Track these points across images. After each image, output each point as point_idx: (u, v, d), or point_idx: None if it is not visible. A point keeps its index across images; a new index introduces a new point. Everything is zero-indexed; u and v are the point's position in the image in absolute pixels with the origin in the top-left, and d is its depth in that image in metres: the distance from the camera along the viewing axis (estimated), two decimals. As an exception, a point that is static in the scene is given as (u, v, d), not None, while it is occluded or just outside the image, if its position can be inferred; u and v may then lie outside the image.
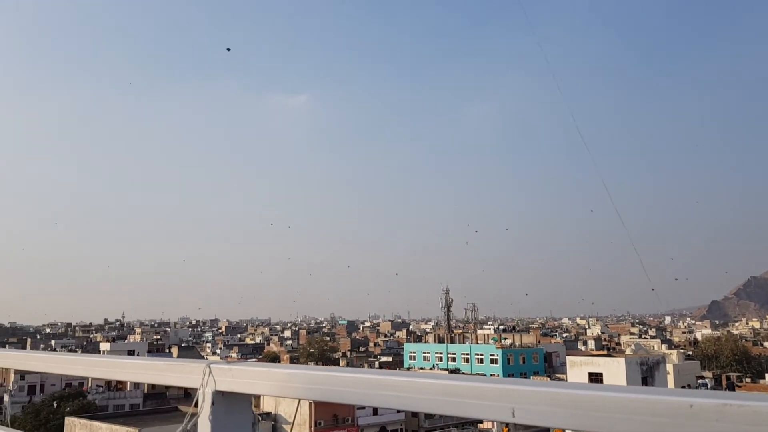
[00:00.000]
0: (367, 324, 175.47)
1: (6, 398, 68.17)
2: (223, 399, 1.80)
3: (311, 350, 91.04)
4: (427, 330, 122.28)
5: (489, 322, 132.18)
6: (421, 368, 75.48)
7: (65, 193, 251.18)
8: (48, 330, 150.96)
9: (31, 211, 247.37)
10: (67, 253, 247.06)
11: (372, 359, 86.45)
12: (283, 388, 1.70)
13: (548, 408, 1.24)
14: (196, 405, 1.77)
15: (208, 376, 1.81)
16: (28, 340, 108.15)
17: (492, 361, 72.20)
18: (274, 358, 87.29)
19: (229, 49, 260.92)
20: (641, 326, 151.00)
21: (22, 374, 69.70)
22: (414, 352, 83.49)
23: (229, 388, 1.79)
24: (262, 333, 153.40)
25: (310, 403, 44.91)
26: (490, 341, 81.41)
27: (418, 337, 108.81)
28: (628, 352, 54.49)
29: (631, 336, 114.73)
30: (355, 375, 1.57)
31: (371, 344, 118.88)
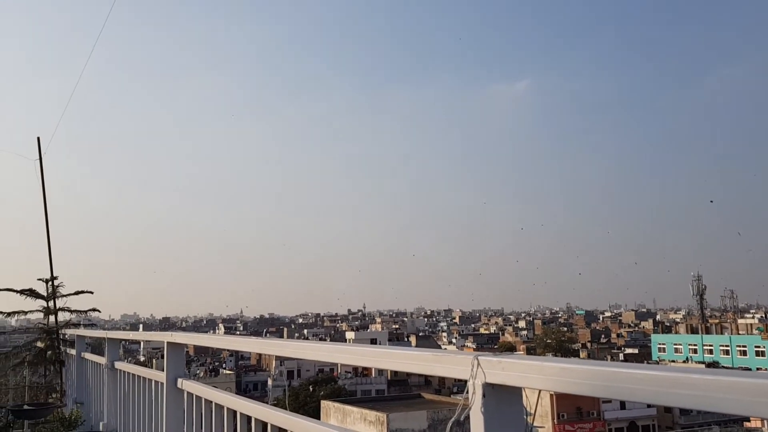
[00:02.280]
0: (608, 314, 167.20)
1: (269, 382, 76.65)
2: (493, 391, 1.75)
3: (548, 341, 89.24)
4: (677, 320, 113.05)
5: (751, 311, 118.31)
6: (672, 361, 70.02)
7: (314, 189, 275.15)
8: (300, 320, 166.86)
9: (278, 207, 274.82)
10: (313, 247, 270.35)
11: (615, 351, 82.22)
12: (558, 382, 1.60)
13: None
14: (459, 396, 1.74)
15: (477, 368, 1.77)
16: (285, 330, 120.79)
17: (758, 354, 64.47)
18: (510, 348, 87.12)
19: (460, 39, 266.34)
20: None
21: (281, 360, 77.63)
22: (663, 344, 77.72)
23: (499, 381, 1.73)
24: (496, 323, 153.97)
25: (551, 395, 43.97)
26: (755, 331, 72.73)
27: (666, 328, 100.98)
28: None
29: None
30: (644, 372, 1.42)
31: (613, 335, 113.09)
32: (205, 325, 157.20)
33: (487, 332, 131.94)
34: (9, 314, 9.68)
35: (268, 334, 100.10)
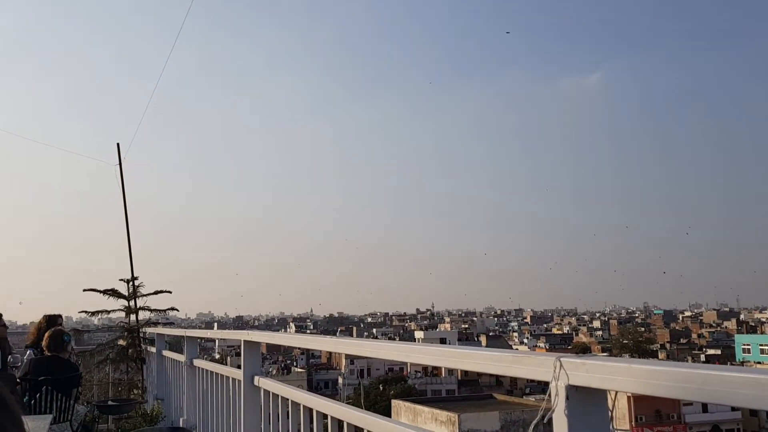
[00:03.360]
0: (687, 313, 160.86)
1: (340, 381, 77.47)
2: (577, 394, 1.68)
3: (624, 342, 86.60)
4: (763, 319, 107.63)
5: None
6: (759, 363, 66.72)
7: (382, 189, 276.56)
8: (369, 319, 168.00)
9: (345, 207, 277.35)
10: (382, 247, 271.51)
11: (696, 352, 79.04)
12: (647, 385, 1.53)
13: None
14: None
15: (560, 370, 1.71)
16: (354, 329, 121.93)
17: None
18: (585, 349, 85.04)
19: (508, 32, 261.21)
20: None
21: (352, 359, 78.36)
22: (748, 345, 74.06)
23: (583, 383, 1.67)
24: (569, 323, 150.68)
25: (629, 396, 42.65)
26: None
27: (751, 328, 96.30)
28: None
29: None
30: (741, 375, 1.33)
31: (694, 335, 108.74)
32: (277, 323, 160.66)
33: (560, 332, 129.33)
34: (93, 313, 10.10)
35: (338, 333, 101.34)
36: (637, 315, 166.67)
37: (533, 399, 54.39)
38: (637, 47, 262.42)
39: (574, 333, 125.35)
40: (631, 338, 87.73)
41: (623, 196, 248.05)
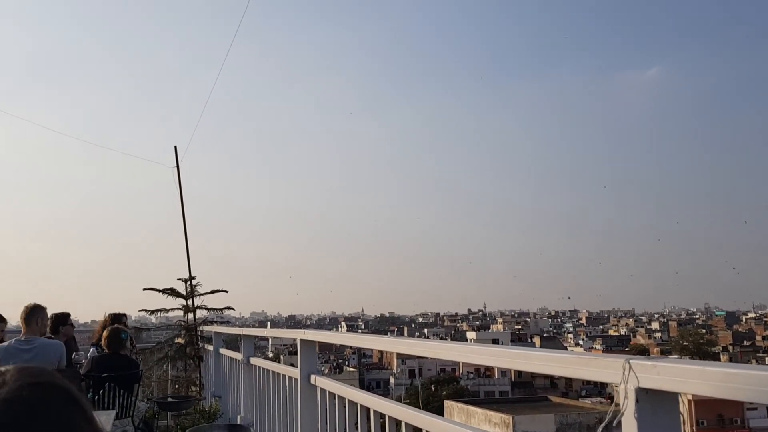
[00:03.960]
0: (751, 315, 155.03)
1: (392, 380, 77.58)
2: (647, 397, 1.63)
3: (685, 344, 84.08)
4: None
5: None
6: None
7: (432, 190, 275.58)
8: (420, 319, 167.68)
9: (395, 207, 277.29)
10: (431, 247, 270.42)
11: (761, 355, 76.15)
12: (721, 388, 1.46)
13: None
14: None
15: (629, 372, 1.65)
16: (405, 329, 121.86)
17: None
18: (642, 351, 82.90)
19: (566, 38, 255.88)
20: None
21: (403, 359, 78.34)
22: (815, 348, 71.03)
23: (654, 386, 1.61)
24: (626, 324, 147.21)
25: (689, 400, 41.40)
26: None
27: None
28: None
29: None
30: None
31: (758, 337, 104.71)
32: (328, 323, 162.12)
33: (616, 334, 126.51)
34: (152, 312, 10.37)
35: (391, 334, 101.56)
36: (697, 316, 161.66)
37: (589, 402, 53.35)
38: (703, 36, 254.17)
39: (631, 335, 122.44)
40: (691, 340, 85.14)
41: (685, 194, 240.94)
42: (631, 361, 1.62)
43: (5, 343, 5.73)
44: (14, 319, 6.70)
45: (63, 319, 7.22)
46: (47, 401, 0.81)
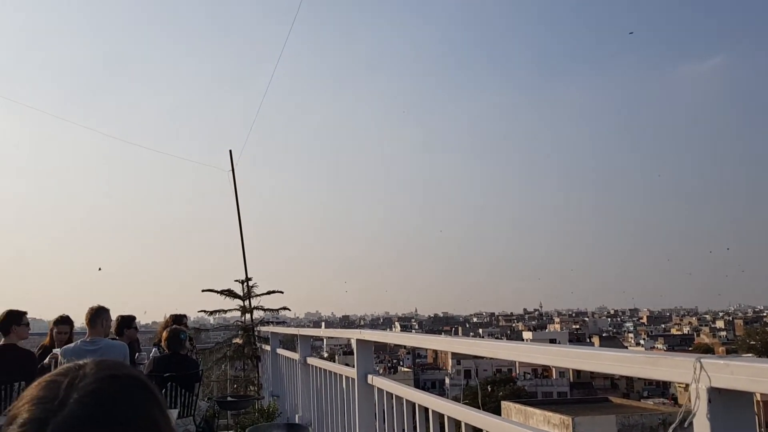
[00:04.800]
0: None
1: (447, 381, 77.19)
2: (720, 397, 1.56)
3: (752, 343, 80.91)
4: None
5: None
6: None
7: (482, 191, 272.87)
8: (474, 319, 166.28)
9: (460, 207, 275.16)
10: (488, 248, 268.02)
11: (834, 355, 72.58)
12: (803, 388, 1.39)
13: None
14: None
15: (700, 372, 1.59)
16: (459, 329, 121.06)
17: None
18: (707, 350, 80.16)
19: (631, 33, 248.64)
20: None
21: (458, 359, 77.84)
22: None
23: (727, 385, 1.54)
24: (689, 323, 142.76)
25: (757, 402, 39.81)
26: None
27: None
28: None
29: None
30: None
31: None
32: (382, 323, 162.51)
33: (679, 333, 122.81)
34: (211, 313, 10.59)
35: (444, 334, 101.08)
36: (765, 314, 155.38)
37: (651, 402, 51.95)
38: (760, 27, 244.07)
39: (695, 333, 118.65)
40: (759, 339, 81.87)
41: (747, 187, 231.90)
42: (702, 360, 1.56)
43: (72, 344, 5.96)
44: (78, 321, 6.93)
45: (128, 321, 7.44)
46: (128, 393, 0.84)
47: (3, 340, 5.71)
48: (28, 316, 5.90)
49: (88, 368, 0.85)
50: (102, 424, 0.78)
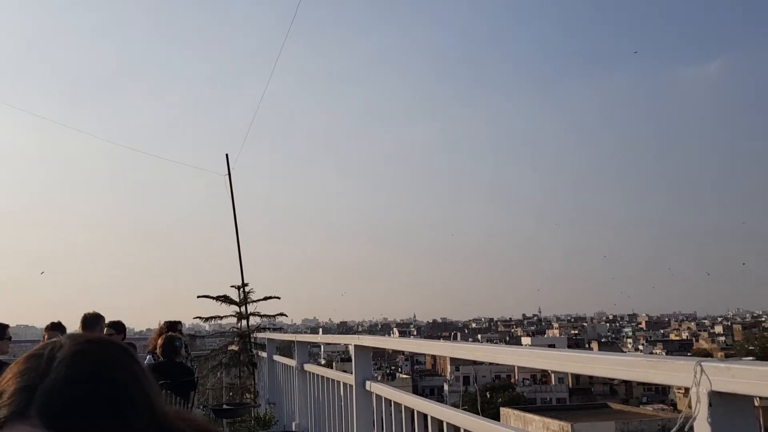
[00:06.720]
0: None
1: (445, 387, 77.01)
2: (720, 401, 1.55)
3: (750, 348, 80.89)
4: None
5: None
6: None
7: (486, 195, 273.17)
8: (473, 325, 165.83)
9: (458, 210, 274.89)
10: (487, 251, 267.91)
11: (833, 359, 72.62)
12: (805, 391, 1.38)
13: None
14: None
15: (701, 375, 1.58)
16: (458, 334, 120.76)
17: None
18: (706, 356, 79.33)
19: (636, 52, 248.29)
20: None
21: (457, 365, 77.60)
22: None
23: (728, 389, 1.53)
24: (688, 328, 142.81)
25: (756, 407, 39.73)
26: None
27: None
28: None
29: None
30: None
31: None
32: (380, 329, 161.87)
33: (678, 338, 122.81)
34: (206, 319, 10.50)
35: (442, 339, 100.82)
36: (764, 319, 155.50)
37: (650, 408, 51.87)
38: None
39: (693, 339, 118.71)
40: (758, 344, 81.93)
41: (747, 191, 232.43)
42: (702, 363, 1.56)
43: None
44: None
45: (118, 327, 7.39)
46: (106, 352, 0.90)
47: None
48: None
49: (63, 339, 0.89)
50: (88, 380, 0.82)
